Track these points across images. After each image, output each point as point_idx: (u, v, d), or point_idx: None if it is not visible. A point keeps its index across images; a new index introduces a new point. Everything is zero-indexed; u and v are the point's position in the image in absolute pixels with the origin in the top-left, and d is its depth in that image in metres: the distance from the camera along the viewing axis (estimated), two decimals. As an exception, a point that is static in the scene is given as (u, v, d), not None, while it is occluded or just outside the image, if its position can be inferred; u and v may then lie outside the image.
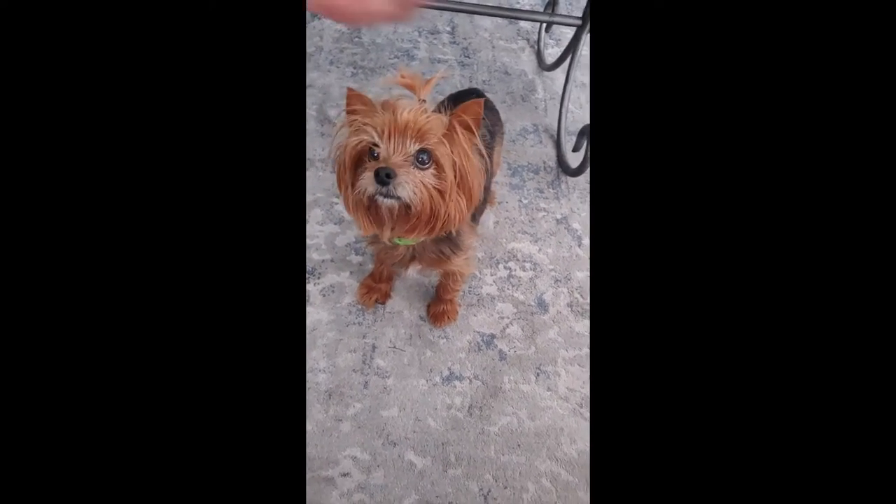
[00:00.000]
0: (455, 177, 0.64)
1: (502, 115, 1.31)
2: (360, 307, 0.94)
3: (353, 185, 0.64)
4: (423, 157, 0.62)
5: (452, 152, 0.63)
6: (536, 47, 1.46)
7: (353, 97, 0.66)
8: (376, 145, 0.61)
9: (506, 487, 0.78)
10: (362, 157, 0.64)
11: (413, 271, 0.92)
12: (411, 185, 0.61)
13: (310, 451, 0.78)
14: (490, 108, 0.93)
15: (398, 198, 0.61)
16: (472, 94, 0.93)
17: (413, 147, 0.61)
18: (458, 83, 1.35)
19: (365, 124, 0.62)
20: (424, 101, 0.66)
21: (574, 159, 1.16)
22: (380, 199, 0.62)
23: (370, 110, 0.64)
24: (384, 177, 0.59)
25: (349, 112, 0.66)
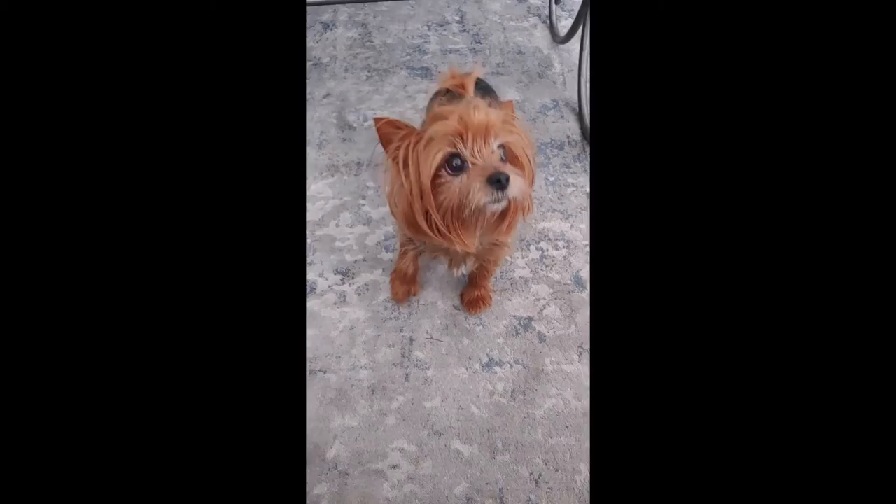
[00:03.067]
0: (529, 164, 0.63)
1: (519, 96, 1.29)
2: (395, 303, 0.95)
3: (437, 208, 0.60)
4: (503, 154, 0.60)
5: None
6: (549, 21, 1.41)
7: (385, 126, 0.61)
8: (457, 155, 0.58)
9: (557, 470, 0.76)
10: (437, 174, 0.59)
11: (464, 269, 0.90)
12: (518, 182, 0.58)
13: (358, 445, 0.79)
14: (485, 88, 0.90)
15: (508, 199, 0.58)
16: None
17: (496, 145, 0.59)
18: (470, 70, 1.33)
19: (430, 139, 0.57)
20: (475, 96, 0.65)
21: (598, 129, 1.11)
22: (492, 206, 0.58)
23: (411, 132, 0.61)
24: (504, 181, 0.56)
25: (386, 141, 0.62)
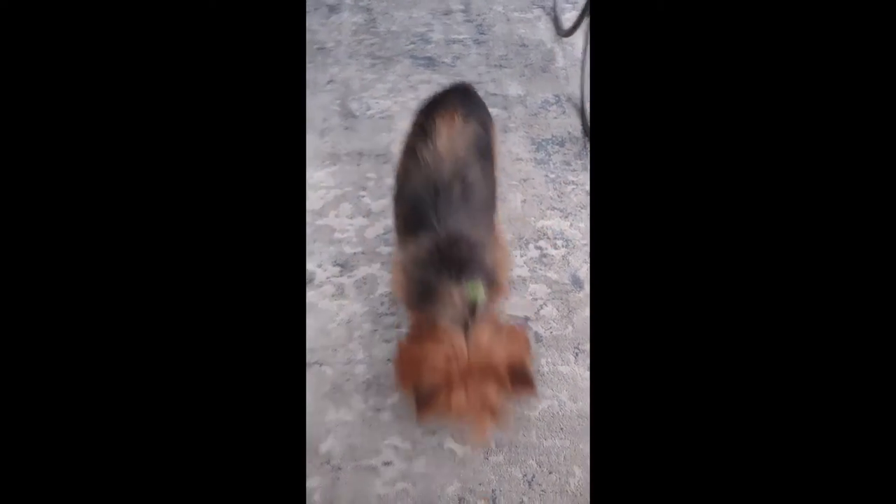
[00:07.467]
0: None
1: (521, 89, 1.27)
2: (393, 297, 0.94)
3: None
4: None
5: None
6: (553, 13, 1.39)
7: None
8: None
9: (551, 472, 0.77)
10: None
11: None
12: None
13: (352, 440, 0.79)
14: (475, 100, 0.88)
15: None
16: (458, 90, 0.88)
17: None
18: (473, 62, 1.31)
19: None
20: None
21: (602, 127, 1.10)
22: None
23: None
24: None
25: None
